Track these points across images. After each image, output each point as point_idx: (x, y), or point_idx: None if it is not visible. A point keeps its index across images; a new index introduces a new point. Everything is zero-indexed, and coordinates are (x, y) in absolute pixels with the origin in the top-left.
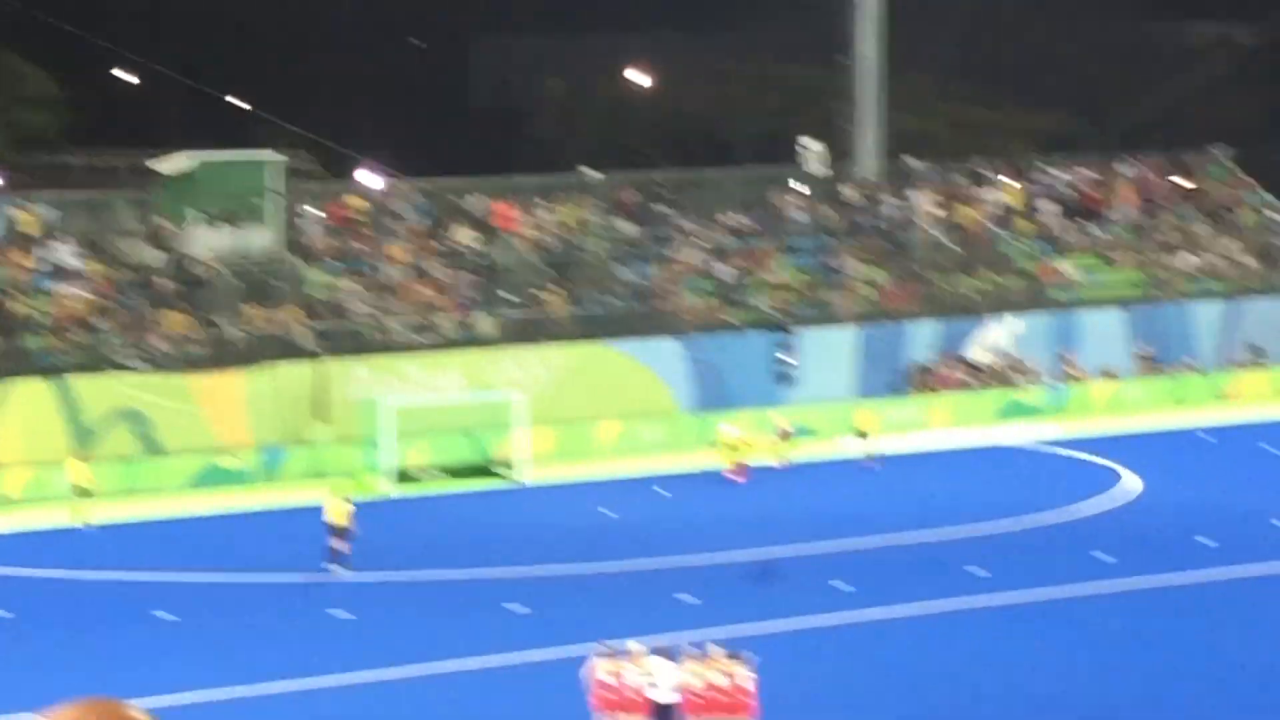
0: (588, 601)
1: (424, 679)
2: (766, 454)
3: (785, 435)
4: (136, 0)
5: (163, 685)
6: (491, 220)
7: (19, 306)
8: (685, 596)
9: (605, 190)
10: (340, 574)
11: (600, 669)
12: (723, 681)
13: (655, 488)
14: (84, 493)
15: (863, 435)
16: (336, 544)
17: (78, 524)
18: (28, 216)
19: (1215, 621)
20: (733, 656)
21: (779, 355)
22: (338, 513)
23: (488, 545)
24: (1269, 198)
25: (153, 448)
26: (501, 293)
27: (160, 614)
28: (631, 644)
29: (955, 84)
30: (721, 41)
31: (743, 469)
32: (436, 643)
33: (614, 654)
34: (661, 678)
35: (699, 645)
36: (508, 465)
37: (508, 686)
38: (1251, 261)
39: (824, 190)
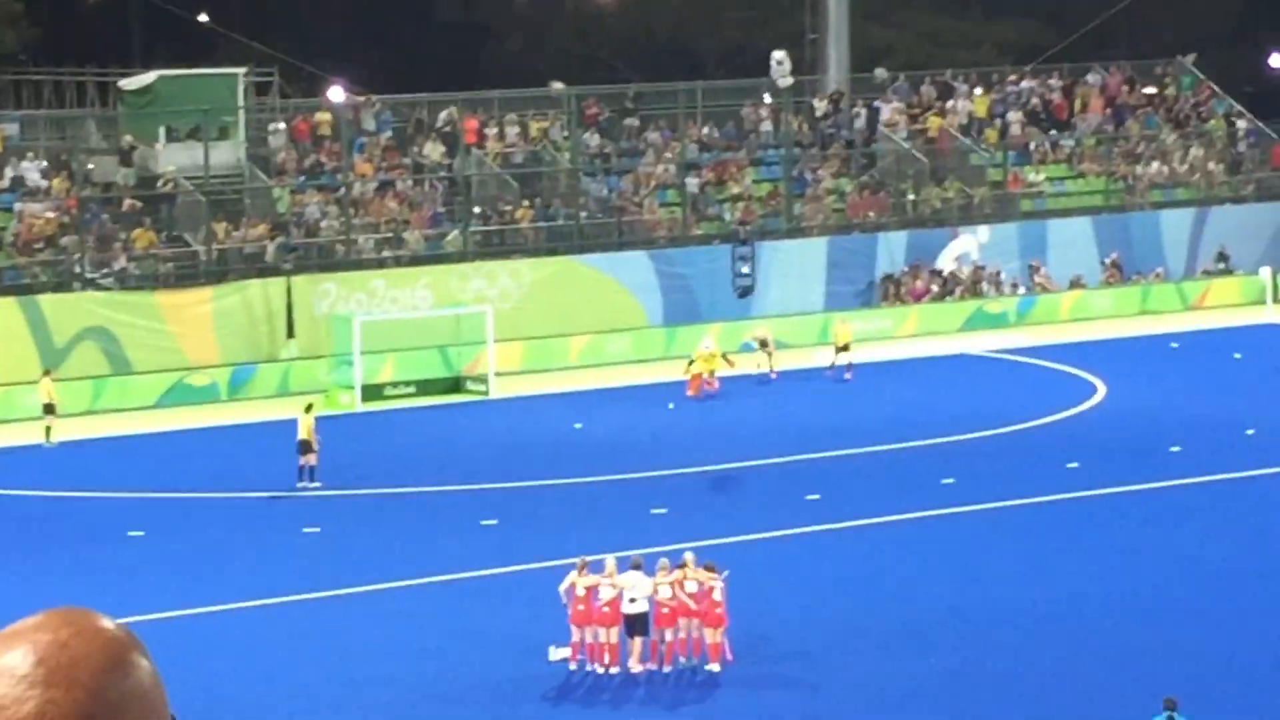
0: (559, 515)
1: (395, 594)
2: (750, 365)
3: (764, 344)
4: None
5: (133, 603)
6: (459, 135)
7: None
8: (658, 509)
9: (573, 104)
10: (311, 489)
11: (575, 582)
12: (694, 590)
13: (669, 404)
14: (53, 410)
15: (844, 348)
16: (304, 460)
17: (46, 442)
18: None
19: (1185, 527)
20: (708, 567)
21: (739, 268)
22: (304, 427)
23: (457, 460)
24: (1237, 106)
25: (121, 366)
26: (467, 209)
27: (130, 532)
28: (605, 557)
29: None
30: None
31: (710, 380)
32: (407, 558)
33: (588, 567)
34: (635, 590)
35: (674, 557)
36: (477, 379)
37: (479, 601)
38: (1219, 170)
39: (792, 103)
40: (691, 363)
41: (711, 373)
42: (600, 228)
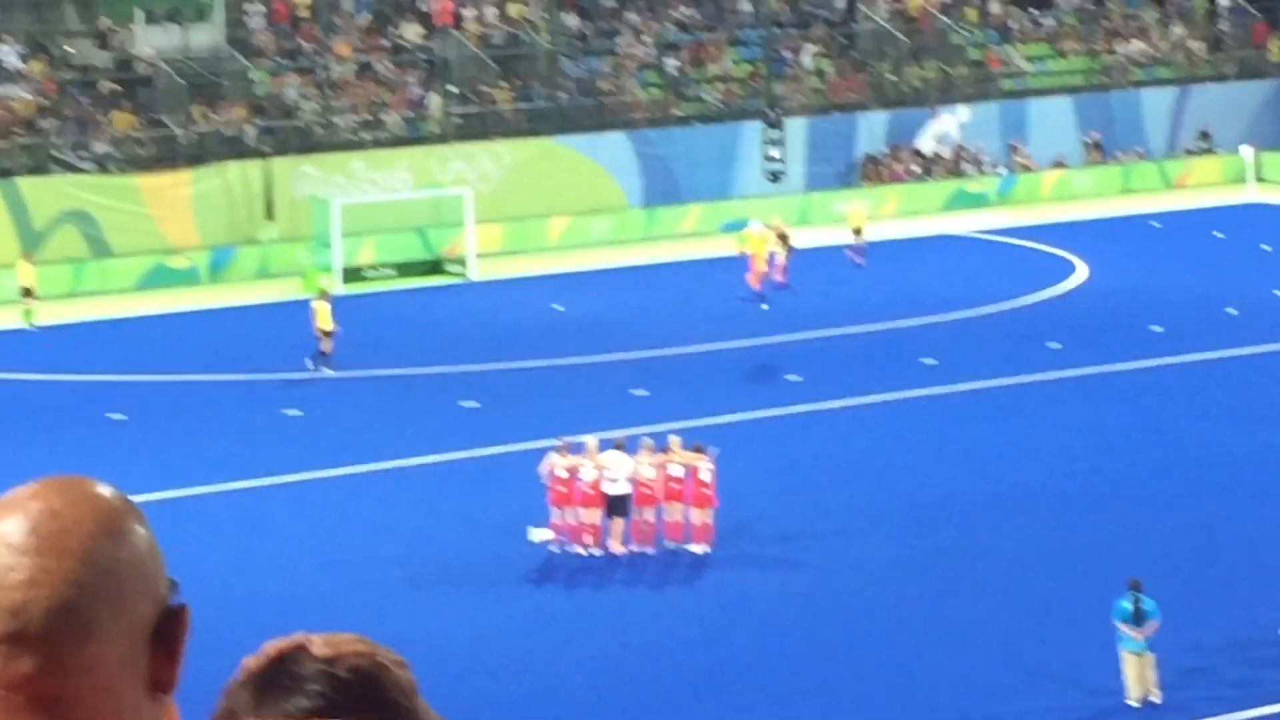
0: (540, 397)
1: (377, 475)
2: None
3: (783, 236)
4: None
5: (117, 486)
6: (437, 16)
7: None
8: (639, 390)
9: None
10: (326, 374)
11: (555, 464)
12: (680, 473)
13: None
14: (31, 294)
15: (857, 231)
16: (324, 345)
17: (26, 325)
18: None
19: (1166, 406)
20: (696, 449)
21: (768, 151)
22: (322, 314)
23: (437, 342)
24: None
25: (100, 249)
26: (449, 88)
27: (111, 415)
28: (586, 438)
29: None
30: None
31: (775, 267)
32: (390, 439)
33: (569, 448)
34: (616, 471)
35: (659, 439)
36: (456, 261)
37: (461, 482)
38: (1201, 48)
39: None
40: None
41: (772, 256)
42: (579, 109)
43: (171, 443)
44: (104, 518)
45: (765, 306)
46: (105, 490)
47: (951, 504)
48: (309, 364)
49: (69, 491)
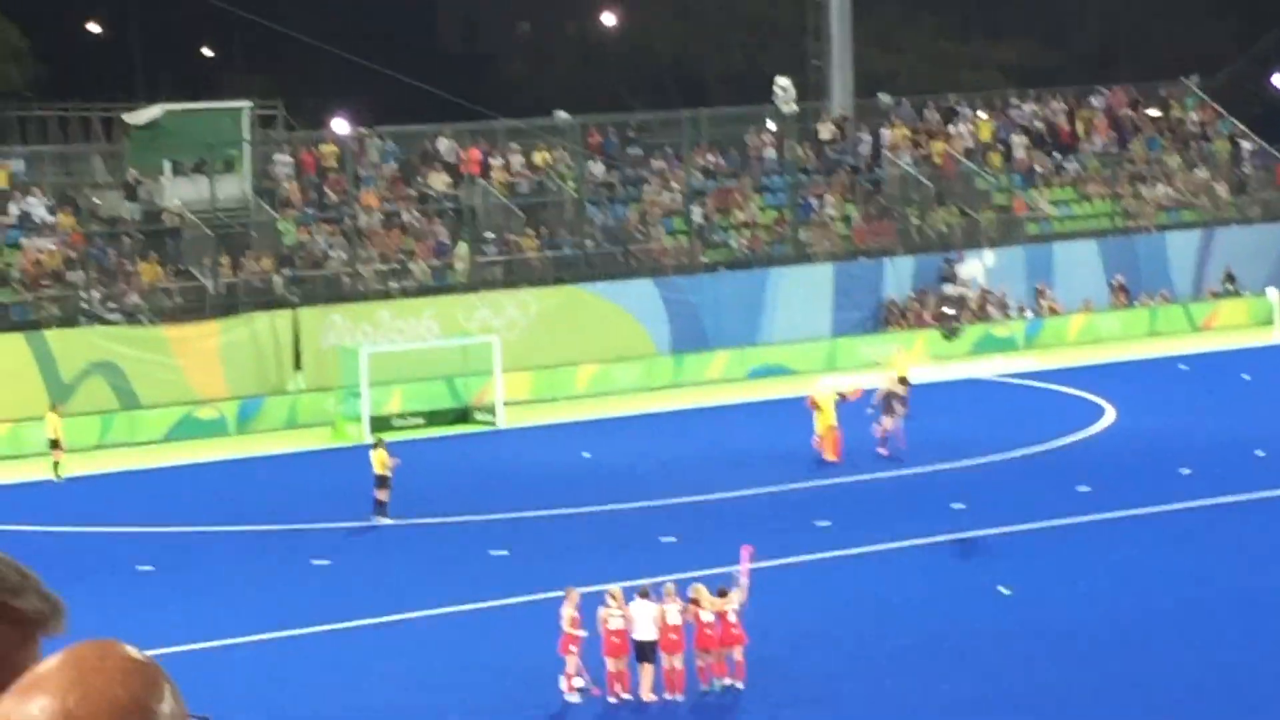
0: (569, 544)
1: (406, 625)
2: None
3: (902, 380)
4: None
5: (143, 637)
6: (463, 165)
7: None
8: (667, 537)
9: (577, 132)
10: (383, 522)
11: (567, 613)
12: (710, 619)
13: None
14: (59, 446)
15: (904, 381)
16: (380, 494)
17: (54, 478)
18: (5, 170)
19: (1195, 549)
20: (721, 593)
21: (945, 311)
22: (379, 461)
23: (466, 490)
24: (1241, 126)
25: (129, 400)
26: (476, 236)
27: (140, 566)
28: (612, 587)
29: (924, 17)
30: None
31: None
32: (419, 588)
33: (579, 597)
34: (642, 617)
35: (683, 585)
36: (485, 410)
37: (489, 631)
38: (1224, 191)
39: (796, 128)
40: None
41: (886, 403)
42: (606, 256)
43: (199, 593)
44: (132, 694)
45: (883, 451)
46: (122, 683)
47: (981, 646)
48: (374, 517)
49: (84, 685)
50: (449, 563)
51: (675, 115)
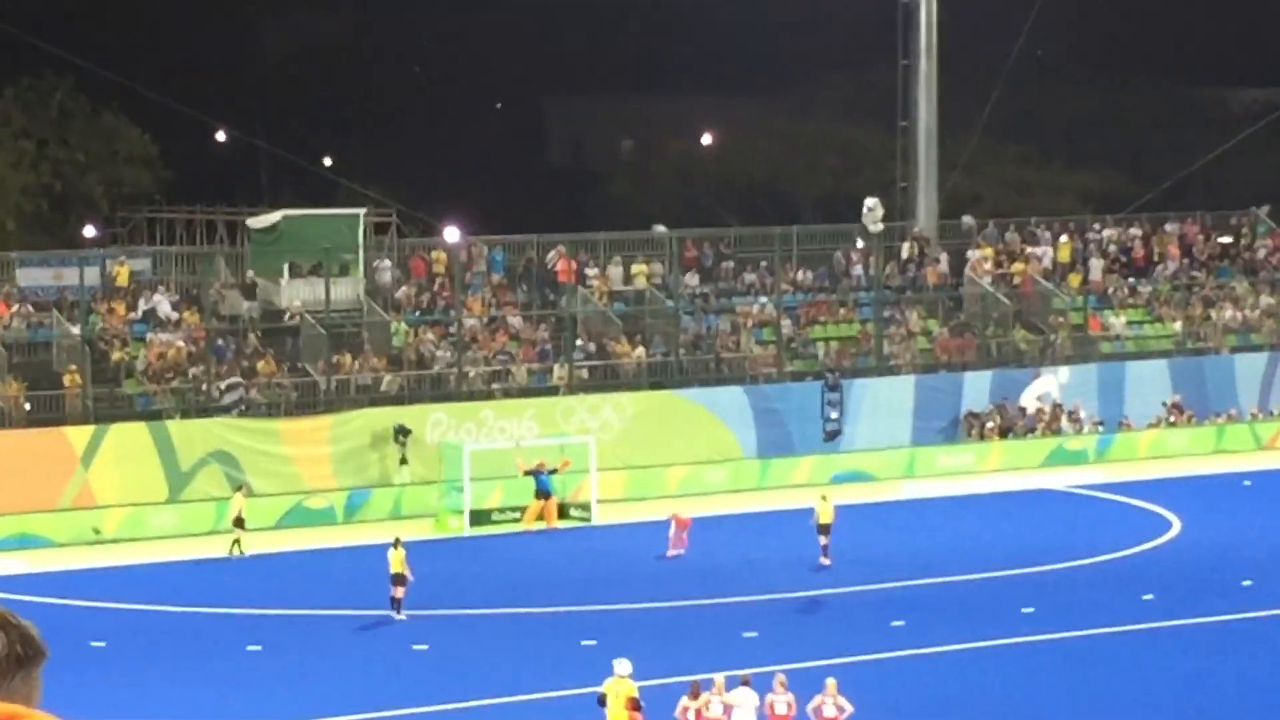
0: (655, 636)
1: (499, 710)
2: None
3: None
4: (233, 68)
5: (249, 715)
6: (566, 274)
7: (118, 354)
8: (749, 633)
9: (674, 246)
10: (400, 618)
11: (686, 706)
12: (832, 713)
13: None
14: (242, 524)
15: (824, 529)
16: (397, 591)
17: (236, 554)
18: (127, 269)
19: (1256, 658)
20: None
21: (829, 412)
22: (397, 560)
23: (560, 583)
24: None
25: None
26: (575, 342)
27: (249, 646)
28: (715, 676)
29: (1008, 145)
30: (785, 104)
31: None
32: (512, 675)
33: (698, 689)
34: (744, 705)
35: (764, 678)
36: (580, 506)
37: (576, 717)
38: None
39: (882, 247)
40: None
41: None
42: (698, 363)
43: (304, 674)
44: None
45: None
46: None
47: None
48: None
49: None
50: (542, 651)
51: (768, 231)
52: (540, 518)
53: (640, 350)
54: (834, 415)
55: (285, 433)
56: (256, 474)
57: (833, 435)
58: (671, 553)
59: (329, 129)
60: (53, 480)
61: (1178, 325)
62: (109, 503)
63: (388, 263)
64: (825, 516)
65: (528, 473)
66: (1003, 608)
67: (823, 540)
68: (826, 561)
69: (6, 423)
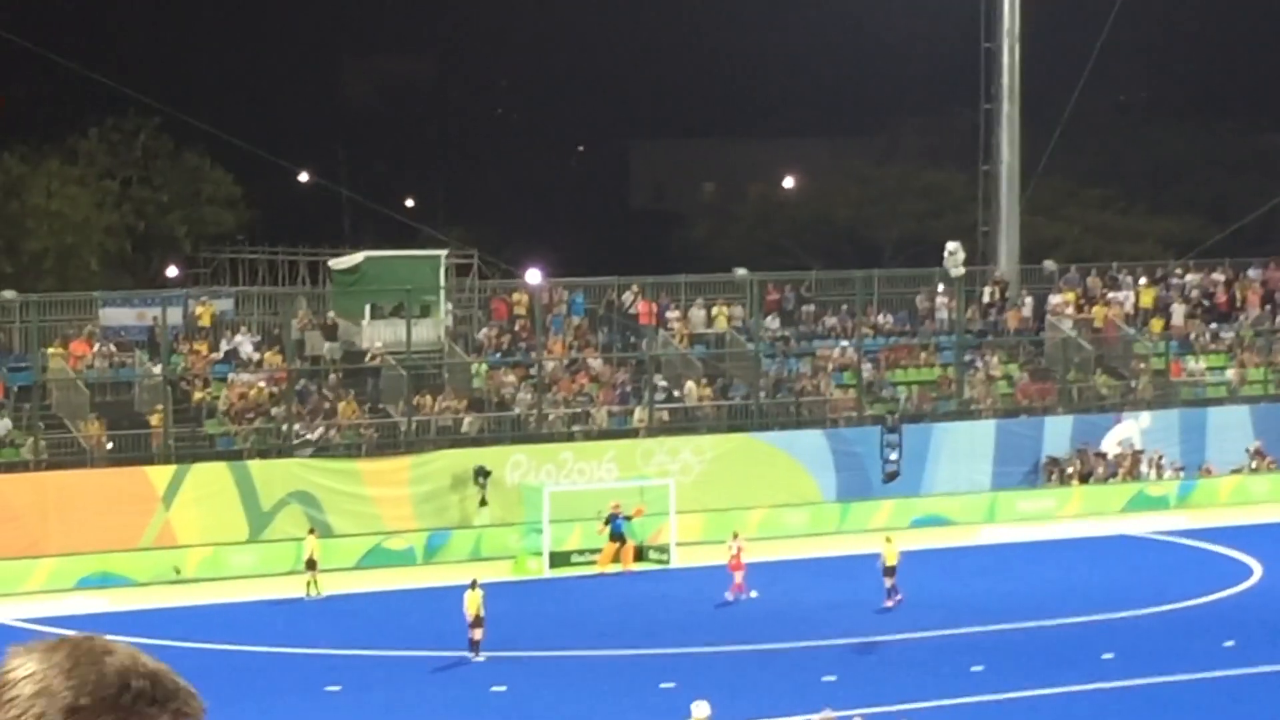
0: (734, 679)
1: None
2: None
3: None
4: (316, 109)
5: None
6: (647, 317)
7: (200, 394)
8: (828, 677)
9: (755, 289)
10: (479, 659)
11: None
12: None
13: None
14: (315, 565)
15: (890, 571)
16: (475, 633)
17: (312, 595)
18: (210, 309)
19: None
20: None
21: (888, 454)
22: (473, 603)
23: (639, 625)
24: None
25: (323, 529)
26: (656, 384)
27: (328, 687)
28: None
29: (1089, 190)
30: (866, 148)
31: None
32: (589, 718)
33: None
34: None
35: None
36: (659, 549)
37: None
38: None
39: (964, 290)
40: None
41: None
42: (778, 407)
43: (383, 715)
44: None
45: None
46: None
47: None
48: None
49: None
50: (620, 693)
51: (849, 275)
52: (615, 560)
53: (720, 393)
54: (893, 457)
55: (366, 473)
56: (337, 514)
57: (891, 477)
58: (730, 596)
59: (411, 171)
60: (134, 519)
61: (1260, 371)
62: (190, 542)
63: (480, 306)
64: (891, 558)
65: (605, 520)
66: (1082, 654)
67: (888, 582)
68: (890, 604)
69: (89, 462)
